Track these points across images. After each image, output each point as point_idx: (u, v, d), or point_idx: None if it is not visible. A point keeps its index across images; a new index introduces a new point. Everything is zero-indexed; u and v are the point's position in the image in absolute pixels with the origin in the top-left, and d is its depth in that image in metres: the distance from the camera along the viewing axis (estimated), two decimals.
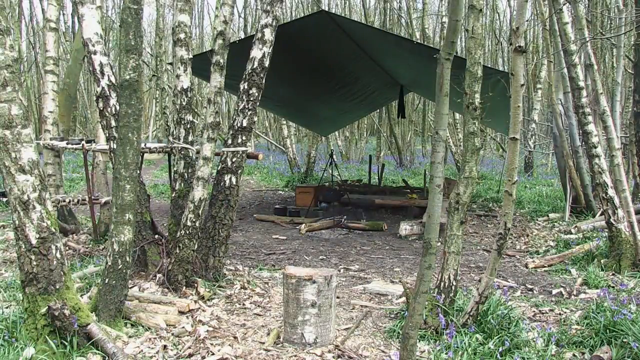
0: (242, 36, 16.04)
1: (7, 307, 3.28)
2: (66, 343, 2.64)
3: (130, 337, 3.06)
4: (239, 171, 4.22)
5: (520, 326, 3.08)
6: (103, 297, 3.10)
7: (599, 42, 10.82)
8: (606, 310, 3.12)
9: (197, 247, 4.05)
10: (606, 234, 5.09)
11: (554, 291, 4.25)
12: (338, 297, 3.86)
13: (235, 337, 3.11)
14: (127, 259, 3.17)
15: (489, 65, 14.35)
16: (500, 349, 2.73)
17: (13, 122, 2.54)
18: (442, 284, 3.20)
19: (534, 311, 3.71)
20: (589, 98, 5.35)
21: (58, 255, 2.70)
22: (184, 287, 3.86)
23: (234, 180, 4.18)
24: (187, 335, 3.11)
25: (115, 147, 3.45)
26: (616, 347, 2.79)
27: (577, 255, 5.16)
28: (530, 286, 4.43)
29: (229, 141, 4.20)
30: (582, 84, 5.15)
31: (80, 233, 6.05)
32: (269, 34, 4.12)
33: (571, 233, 6.22)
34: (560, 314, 3.64)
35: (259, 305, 3.75)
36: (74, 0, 3.92)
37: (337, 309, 3.50)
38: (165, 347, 2.94)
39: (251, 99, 4.13)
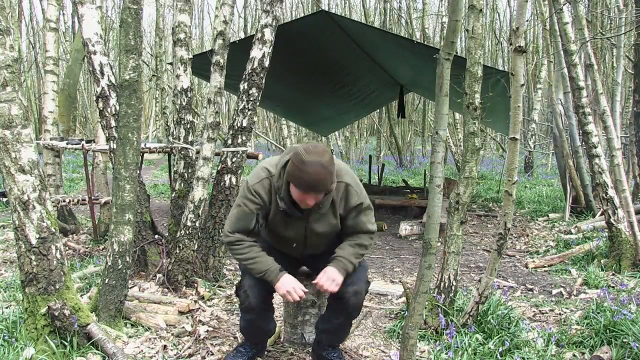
0: (242, 36, 16.04)
1: (7, 307, 3.28)
2: (66, 343, 2.64)
3: (130, 337, 3.06)
4: (239, 171, 4.22)
5: (520, 326, 3.08)
6: (103, 297, 3.10)
7: (599, 42, 10.83)
8: (606, 310, 3.12)
9: (197, 247, 4.05)
10: (606, 234, 5.09)
11: (554, 291, 4.25)
12: None
13: (235, 337, 3.10)
14: (127, 259, 3.17)
15: (489, 65, 14.33)
16: (500, 349, 2.73)
17: (13, 122, 2.54)
18: (442, 284, 3.20)
19: (534, 311, 3.71)
20: (589, 98, 5.35)
21: (58, 255, 2.70)
22: (184, 287, 3.86)
23: (234, 180, 4.18)
24: (187, 335, 3.11)
25: (115, 147, 3.45)
26: (616, 347, 2.79)
27: (577, 255, 5.16)
28: (530, 286, 4.43)
29: (229, 141, 4.19)
30: (582, 84, 5.14)
31: (80, 233, 6.05)
32: (269, 34, 4.11)
33: (571, 233, 6.22)
34: (560, 314, 3.64)
35: None
36: (73, 0, 3.92)
37: None
38: (165, 347, 2.94)
39: (251, 99, 4.13)
